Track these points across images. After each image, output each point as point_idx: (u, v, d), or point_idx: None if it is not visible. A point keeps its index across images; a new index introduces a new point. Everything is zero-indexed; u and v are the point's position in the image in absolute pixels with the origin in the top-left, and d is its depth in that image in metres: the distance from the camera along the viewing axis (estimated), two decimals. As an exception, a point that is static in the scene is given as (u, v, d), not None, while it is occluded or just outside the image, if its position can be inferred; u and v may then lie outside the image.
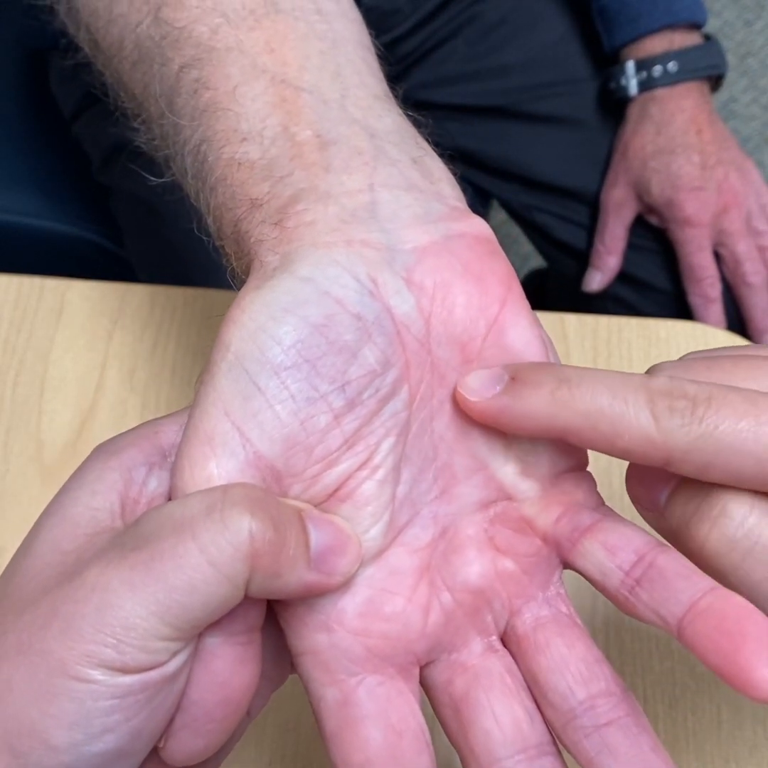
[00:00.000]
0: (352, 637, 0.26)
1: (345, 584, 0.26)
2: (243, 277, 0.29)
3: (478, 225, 0.29)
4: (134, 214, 0.75)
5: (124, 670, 0.23)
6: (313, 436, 0.26)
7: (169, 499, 0.27)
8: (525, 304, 0.28)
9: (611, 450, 0.26)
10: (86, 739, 0.23)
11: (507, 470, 0.28)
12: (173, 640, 0.23)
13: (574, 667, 0.27)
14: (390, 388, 0.27)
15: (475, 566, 0.28)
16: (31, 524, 0.27)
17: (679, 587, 0.25)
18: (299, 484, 0.26)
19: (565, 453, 0.28)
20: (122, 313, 0.52)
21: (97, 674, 0.23)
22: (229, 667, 0.25)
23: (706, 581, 0.25)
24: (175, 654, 0.24)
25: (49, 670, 0.23)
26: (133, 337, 0.52)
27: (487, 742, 0.26)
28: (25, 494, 0.47)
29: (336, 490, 0.26)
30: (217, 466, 0.25)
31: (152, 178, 0.34)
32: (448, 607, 0.27)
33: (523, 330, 0.28)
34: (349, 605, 0.26)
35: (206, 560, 0.23)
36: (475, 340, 0.28)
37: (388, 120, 0.30)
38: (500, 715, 0.27)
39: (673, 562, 0.26)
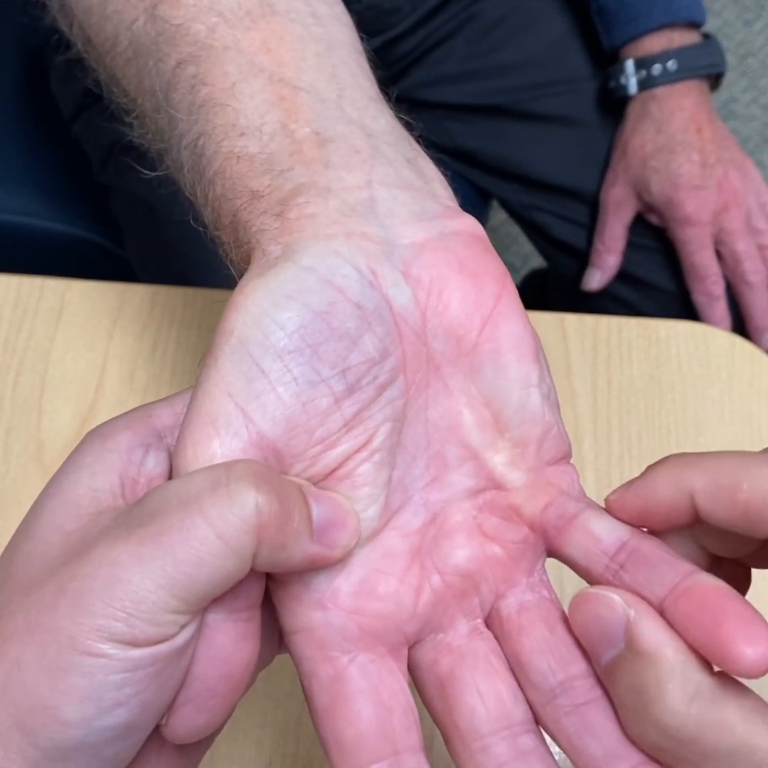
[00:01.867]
0: (346, 615, 0.27)
1: (342, 561, 0.27)
2: (241, 265, 0.29)
3: (471, 224, 0.29)
4: (134, 214, 0.75)
5: (134, 644, 0.23)
6: (314, 418, 0.26)
7: (170, 478, 0.27)
8: (518, 301, 0.29)
9: (733, 507, 0.25)
10: (98, 713, 0.23)
11: (497, 460, 0.29)
12: (181, 613, 0.24)
13: (556, 648, 0.27)
14: (388, 376, 0.27)
15: (464, 550, 0.28)
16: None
17: (661, 570, 0.26)
18: (300, 464, 0.27)
19: (552, 445, 0.29)
20: (122, 313, 0.52)
21: (108, 648, 0.23)
22: (232, 643, 0.25)
23: (688, 565, 0.26)
24: (183, 627, 0.24)
25: (59, 646, 0.23)
26: (133, 337, 0.52)
27: (471, 719, 0.27)
28: (25, 494, 0.47)
29: (334, 470, 0.27)
30: (220, 445, 0.26)
31: (146, 172, 0.35)
32: (438, 589, 0.28)
33: (517, 326, 0.29)
34: (344, 584, 0.27)
35: (214, 533, 0.23)
36: (470, 334, 0.28)
37: (383, 121, 0.31)
38: (485, 693, 0.27)
39: (655, 548, 0.26)
